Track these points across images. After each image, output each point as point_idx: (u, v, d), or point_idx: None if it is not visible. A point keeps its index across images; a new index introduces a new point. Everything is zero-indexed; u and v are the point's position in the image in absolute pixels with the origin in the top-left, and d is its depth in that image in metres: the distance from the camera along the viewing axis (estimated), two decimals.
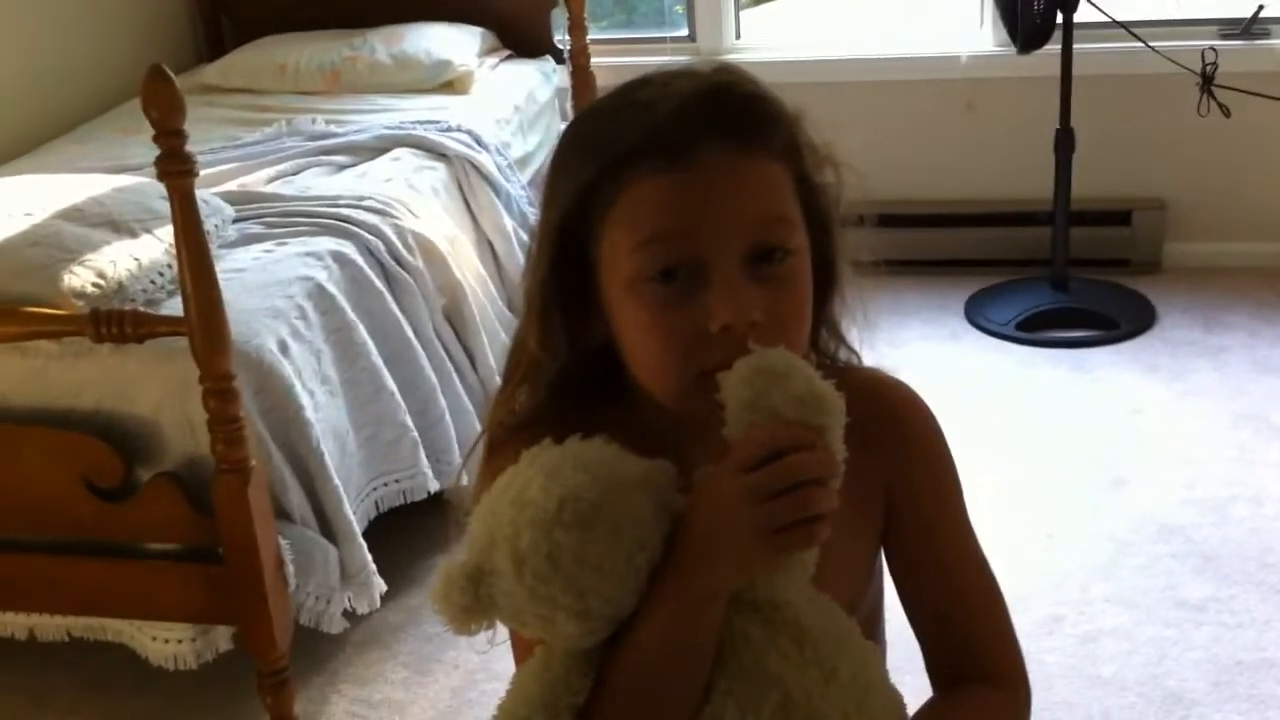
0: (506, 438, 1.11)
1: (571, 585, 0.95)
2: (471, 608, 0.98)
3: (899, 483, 1.13)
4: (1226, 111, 3.42)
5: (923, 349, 3.45)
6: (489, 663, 2.41)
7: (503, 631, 1.10)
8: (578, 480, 0.96)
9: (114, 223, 2.38)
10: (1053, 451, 3.00)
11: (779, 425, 0.94)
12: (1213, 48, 3.43)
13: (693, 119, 1.01)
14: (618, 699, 0.99)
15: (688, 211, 1.00)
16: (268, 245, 2.58)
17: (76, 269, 2.24)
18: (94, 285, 2.23)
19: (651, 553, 0.97)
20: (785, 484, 0.92)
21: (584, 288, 1.07)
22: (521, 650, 1.08)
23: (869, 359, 1.19)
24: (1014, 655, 1.17)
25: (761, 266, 1.02)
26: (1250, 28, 3.64)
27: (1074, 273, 3.63)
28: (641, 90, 1.05)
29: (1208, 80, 3.43)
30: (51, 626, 2.35)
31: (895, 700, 1.05)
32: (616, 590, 0.96)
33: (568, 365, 1.09)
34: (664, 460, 1.01)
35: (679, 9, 4.12)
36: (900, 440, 1.14)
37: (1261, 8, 3.62)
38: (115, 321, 2.07)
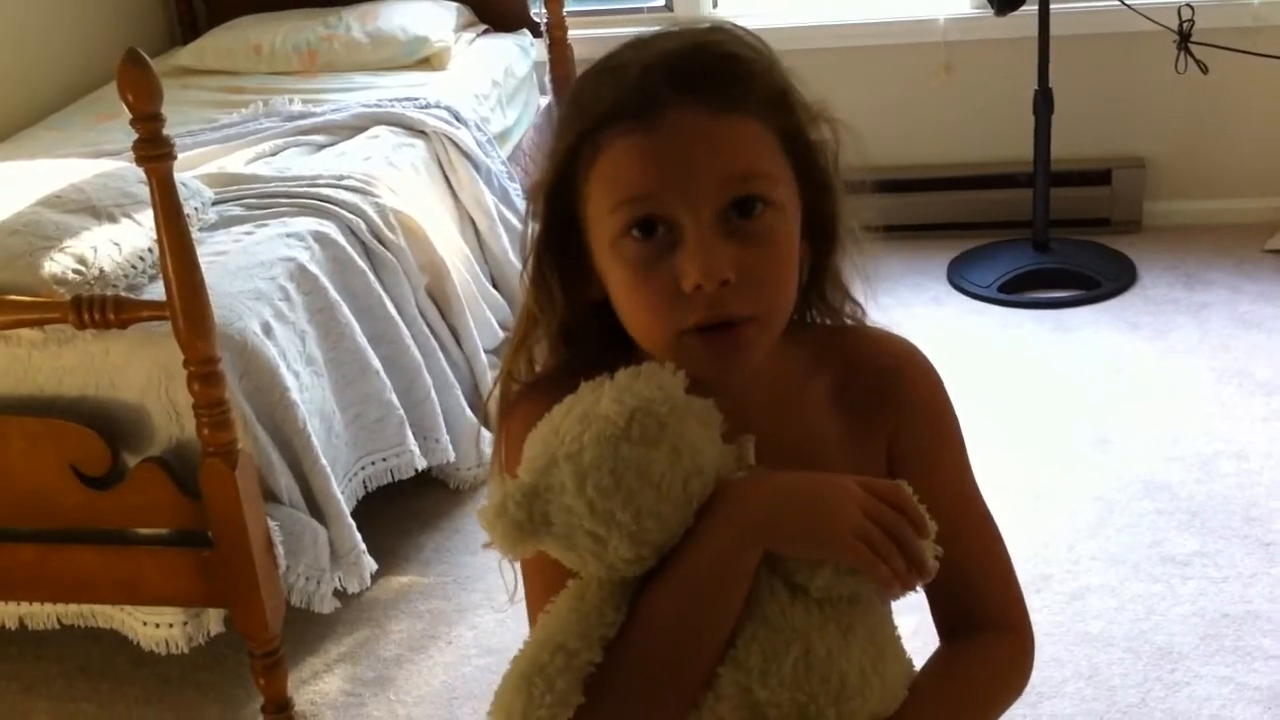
0: (521, 396, 1.14)
1: (631, 502, 0.97)
2: (525, 525, 0.98)
3: (900, 438, 1.15)
4: (1204, 68, 3.42)
5: (906, 313, 3.45)
6: (482, 639, 2.43)
7: (521, 590, 1.12)
8: (651, 394, 0.99)
9: (94, 208, 2.37)
10: (1037, 412, 3.01)
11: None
12: (1189, 4, 3.42)
13: (660, 80, 1.02)
14: (653, 629, 1.00)
15: (657, 172, 1.01)
16: (248, 227, 2.57)
17: (57, 256, 2.23)
18: (75, 272, 2.22)
19: (704, 481, 1.00)
20: (887, 525, 0.99)
21: (580, 247, 1.09)
22: (537, 598, 1.09)
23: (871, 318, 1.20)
24: (1017, 602, 1.20)
25: (739, 221, 1.02)
26: None
27: (1055, 233, 3.64)
28: (625, 52, 1.07)
29: (1184, 37, 3.42)
30: (42, 615, 2.35)
31: (906, 660, 1.08)
32: (671, 513, 0.98)
33: (576, 323, 1.12)
34: (712, 402, 1.03)
35: None
36: (902, 396, 1.15)
37: None
38: (97, 307, 2.07)
